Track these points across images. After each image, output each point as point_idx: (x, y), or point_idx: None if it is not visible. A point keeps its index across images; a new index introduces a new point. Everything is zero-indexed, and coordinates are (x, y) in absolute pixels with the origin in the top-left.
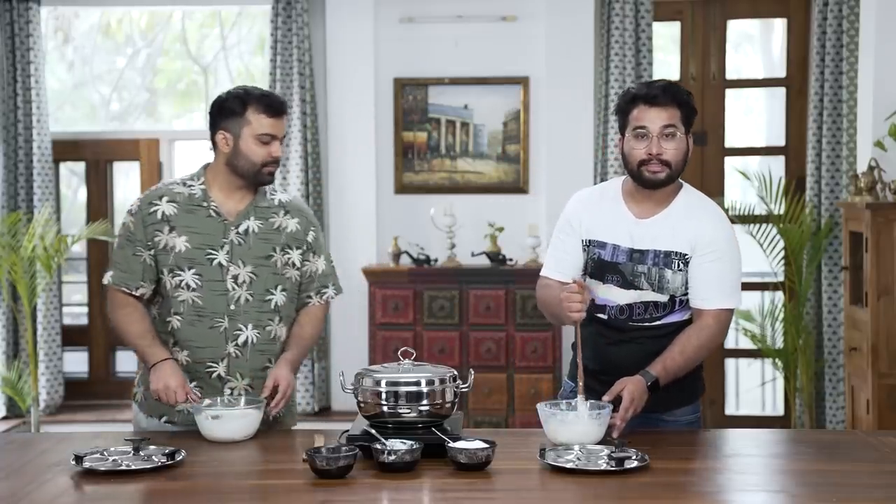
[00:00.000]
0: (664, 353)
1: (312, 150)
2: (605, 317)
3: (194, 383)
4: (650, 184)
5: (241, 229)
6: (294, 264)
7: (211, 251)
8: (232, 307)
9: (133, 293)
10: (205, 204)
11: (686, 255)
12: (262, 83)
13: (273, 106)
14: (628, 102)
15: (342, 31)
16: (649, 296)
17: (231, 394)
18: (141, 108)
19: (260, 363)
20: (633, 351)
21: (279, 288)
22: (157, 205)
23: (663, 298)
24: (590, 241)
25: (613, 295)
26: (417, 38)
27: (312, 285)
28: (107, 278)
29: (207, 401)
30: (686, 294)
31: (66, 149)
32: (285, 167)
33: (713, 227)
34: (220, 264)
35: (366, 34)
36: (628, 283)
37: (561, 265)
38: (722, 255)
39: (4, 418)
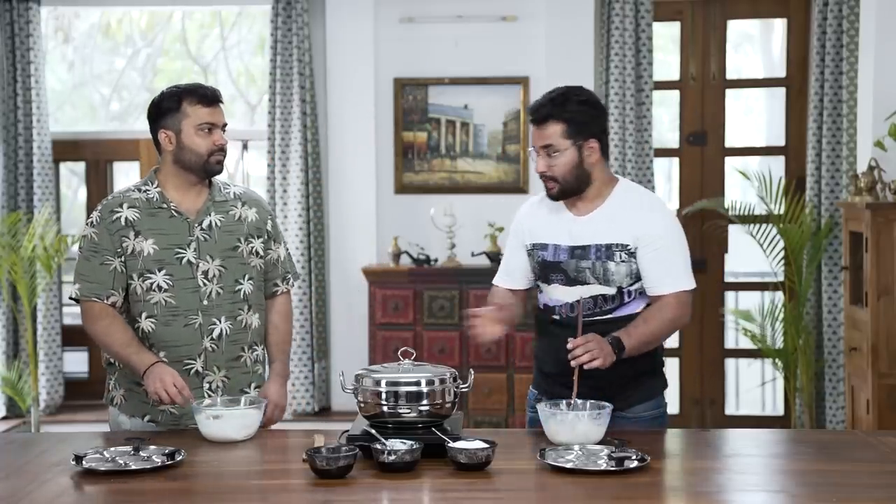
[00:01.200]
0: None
1: (312, 150)
2: (557, 317)
3: None
4: (550, 197)
5: (204, 225)
6: (257, 253)
7: (179, 250)
8: (205, 302)
9: (105, 302)
10: (164, 205)
11: (628, 245)
12: (262, 83)
13: (206, 95)
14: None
15: (342, 31)
16: (596, 289)
17: (210, 387)
18: (141, 108)
19: (234, 353)
20: None
21: (246, 277)
22: (118, 212)
23: (611, 291)
24: (533, 244)
25: (560, 294)
26: (417, 38)
27: (277, 272)
28: (74, 292)
29: (207, 401)
30: (633, 284)
31: (66, 149)
32: (286, 167)
33: (655, 217)
34: (189, 262)
35: (366, 34)
36: (572, 280)
37: (507, 274)
38: (668, 241)
39: (4, 418)
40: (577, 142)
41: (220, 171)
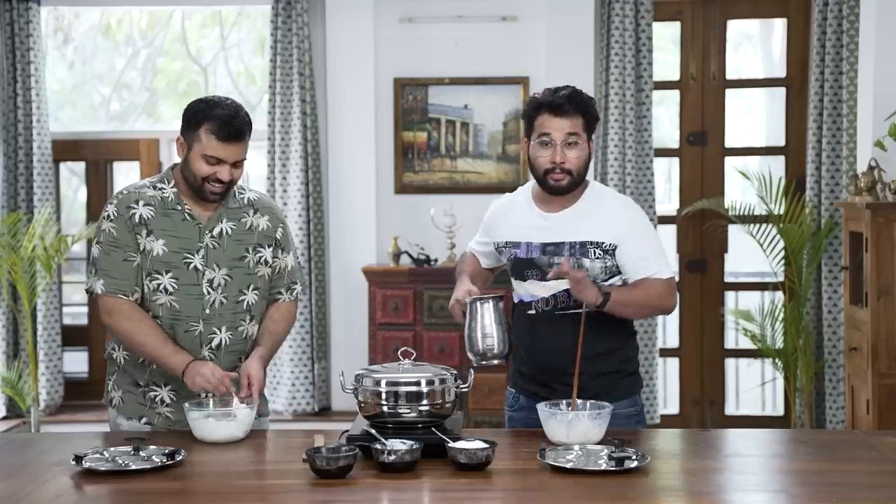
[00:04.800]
0: None
1: (312, 150)
2: (532, 312)
3: (168, 386)
4: (554, 191)
5: (214, 232)
6: (266, 262)
7: (187, 255)
8: (207, 311)
9: (130, 299)
10: (179, 207)
11: (603, 243)
12: (262, 83)
13: (225, 133)
14: (534, 109)
15: (342, 31)
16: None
17: (205, 395)
18: (141, 108)
19: (231, 363)
20: (563, 342)
21: (251, 287)
22: (134, 208)
23: None
24: (505, 242)
25: (535, 289)
26: (417, 38)
27: (282, 282)
28: (98, 287)
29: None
30: (607, 280)
31: (66, 149)
32: (286, 167)
33: (630, 215)
34: (195, 268)
35: (366, 34)
36: (546, 276)
37: (477, 252)
38: (646, 236)
39: (4, 418)
40: (589, 138)
41: (214, 201)
